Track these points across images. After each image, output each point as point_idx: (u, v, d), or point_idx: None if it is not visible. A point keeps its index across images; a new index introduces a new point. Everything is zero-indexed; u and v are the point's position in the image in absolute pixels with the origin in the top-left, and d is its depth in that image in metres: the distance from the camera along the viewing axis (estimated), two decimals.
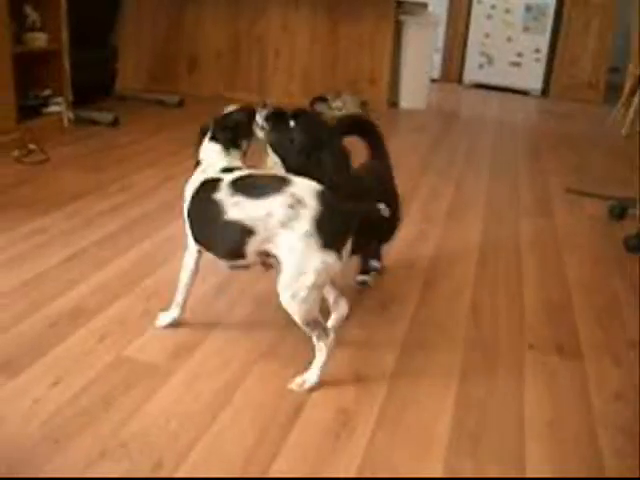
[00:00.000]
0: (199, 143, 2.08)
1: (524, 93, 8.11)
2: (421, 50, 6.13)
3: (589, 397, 1.93)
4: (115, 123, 4.71)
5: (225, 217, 1.83)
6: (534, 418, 1.81)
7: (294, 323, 1.83)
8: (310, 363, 1.86)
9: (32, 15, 4.29)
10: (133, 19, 5.92)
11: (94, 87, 5.28)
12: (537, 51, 8.04)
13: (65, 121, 4.49)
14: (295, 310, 1.79)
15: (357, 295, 2.41)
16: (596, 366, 2.10)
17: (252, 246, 1.83)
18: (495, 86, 8.25)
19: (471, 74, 8.40)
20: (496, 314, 2.38)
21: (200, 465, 1.53)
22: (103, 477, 1.45)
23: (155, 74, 6.23)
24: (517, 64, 8.16)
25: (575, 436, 1.75)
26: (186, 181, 2.06)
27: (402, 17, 6.02)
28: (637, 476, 1.56)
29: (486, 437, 1.71)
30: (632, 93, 6.13)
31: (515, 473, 1.60)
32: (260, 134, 2.06)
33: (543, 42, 8.00)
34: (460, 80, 8.50)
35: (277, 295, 2.11)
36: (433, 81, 7.74)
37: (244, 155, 2.08)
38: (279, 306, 2.10)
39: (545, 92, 8.10)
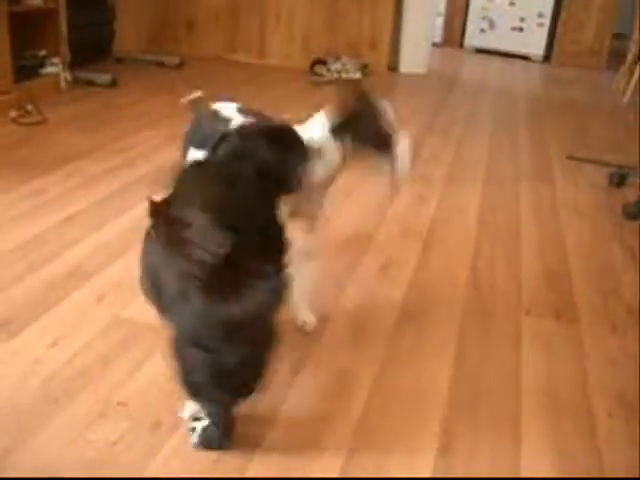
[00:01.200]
0: None
1: (526, 58, 8.04)
2: (422, 13, 6.05)
3: (584, 362, 1.94)
4: (113, 84, 4.67)
5: None
6: (530, 382, 1.82)
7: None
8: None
9: None
10: None
11: (92, 48, 5.22)
12: (540, 16, 7.95)
13: (62, 82, 4.45)
14: None
15: (356, 259, 2.41)
16: (592, 331, 2.11)
17: None
18: (497, 51, 8.17)
19: (473, 39, 8.31)
20: (494, 279, 2.38)
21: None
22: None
23: (154, 35, 6.16)
24: (519, 29, 8.07)
25: (570, 400, 1.77)
26: None
27: None
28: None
29: (482, 401, 1.73)
30: (635, 60, 6.08)
31: (509, 436, 1.61)
32: None
33: (547, 7, 7.91)
34: (461, 45, 8.41)
35: None
36: (435, 45, 7.66)
37: None
38: None
39: (547, 58, 8.02)
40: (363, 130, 1.81)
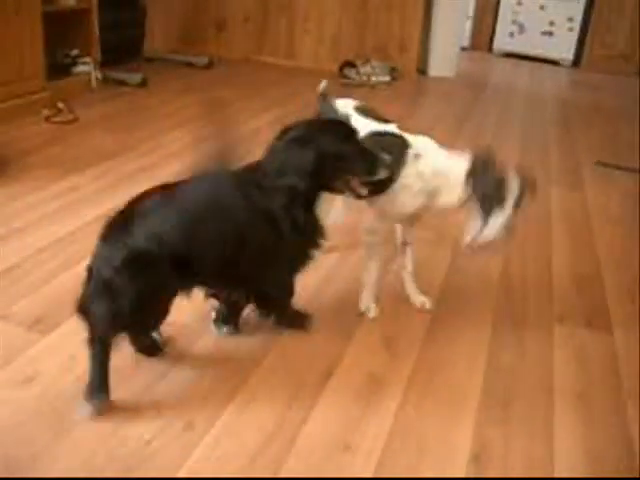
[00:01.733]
0: None
1: (555, 63, 7.99)
2: (452, 17, 6.03)
3: (618, 370, 1.92)
4: (143, 84, 4.70)
5: None
6: (564, 389, 1.81)
7: (324, 291, 1.82)
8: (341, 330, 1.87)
9: None
10: None
11: (123, 48, 5.26)
12: (570, 20, 7.89)
13: (93, 81, 4.48)
14: None
15: (387, 264, 2.40)
16: (625, 340, 2.09)
17: None
18: (526, 55, 8.12)
19: (501, 42, 8.27)
20: (525, 285, 2.37)
21: (231, 427, 1.55)
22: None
23: (183, 36, 6.19)
24: (549, 33, 8.02)
25: (604, 408, 1.75)
26: None
27: None
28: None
29: (515, 405, 1.72)
30: None
31: (542, 443, 1.60)
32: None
33: (577, 11, 7.85)
34: (490, 48, 8.38)
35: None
36: (463, 49, 7.63)
37: None
38: (307, 272, 2.07)
39: (577, 62, 7.96)
40: (486, 186, 1.83)
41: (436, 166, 1.89)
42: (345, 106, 2.16)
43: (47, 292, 2.03)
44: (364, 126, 1.98)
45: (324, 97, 2.28)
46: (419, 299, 2.16)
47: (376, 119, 2.07)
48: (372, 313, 2.07)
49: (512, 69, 7.41)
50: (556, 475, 1.51)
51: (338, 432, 1.56)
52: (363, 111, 2.12)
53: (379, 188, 1.87)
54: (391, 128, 2.02)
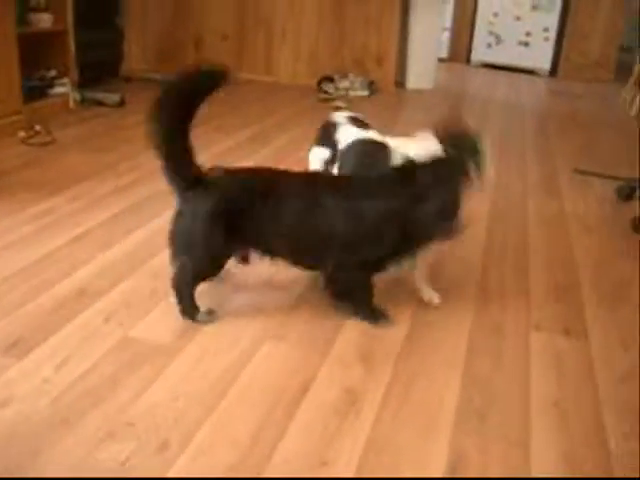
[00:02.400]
0: None
1: (532, 73, 8.06)
2: (428, 29, 6.08)
3: (595, 378, 1.93)
4: (121, 104, 4.71)
5: None
6: (540, 397, 1.81)
7: (299, 306, 1.83)
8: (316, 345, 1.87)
9: None
10: (139, 0, 5.89)
11: (100, 68, 5.28)
12: (546, 30, 7.98)
13: (71, 102, 4.49)
14: None
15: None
16: (603, 347, 2.10)
17: None
18: (503, 65, 8.20)
19: (479, 53, 8.35)
20: (503, 294, 2.38)
21: (206, 445, 1.54)
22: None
23: (162, 55, 6.21)
24: (526, 43, 8.11)
25: (580, 416, 1.75)
26: None
27: None
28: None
29: (492, 415, 1.72)
30: None
31: (519, 452, 1.60)
32: None
33: (552, 21, 7.94)
34: (468, 59, 8.45)
35: (285, 276, 2.13)
36: (441, 60, 7.69)
37: None
38: (286, 287, 2.13)
39: (553, 72, 8.04)
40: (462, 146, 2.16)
41: (416, 153, 2.14)
42: (339, 117, 2.50)
43: (23, 315, 2.02)
44: (351, 131, 2.38)
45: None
46: (428, 294, 2.27)
47: (362, 127, 2.42)
48: (436, 300, 2.26)
49: (490, 79, 7.47)
50: None
51: (314, 447, 1.55)
52: (354, 121, 2.46)
53: None
54: (372, 134, 2.37)
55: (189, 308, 2.04)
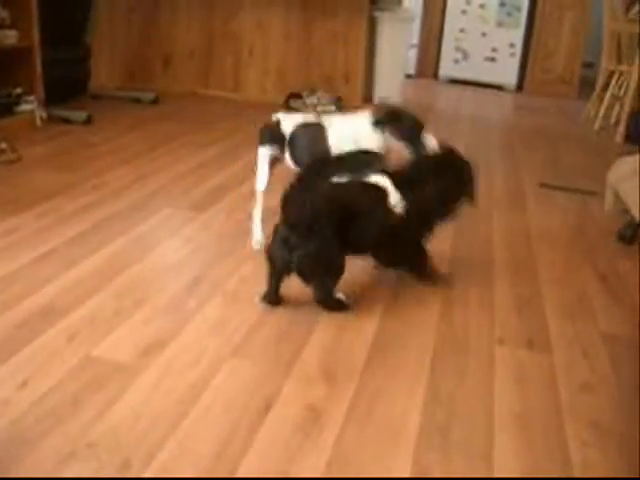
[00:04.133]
0: None
1: (499, 88, 8.15)
2: (395, 46, 6.14)
3: (557, 389, 1.95)
4: (88, 121, 4.68)
5: None
6: (503, 411, 1.83)
7: (262, 322, 1.84)
8: (280, 362, 1.87)
9: (2, 12, 4.26)
10: (107, 17, 5.86)
11: (67, 86, 5.24)
12: (512, 46, 8.08)
13: (37, 120, 4.46)
14: None
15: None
16: (565, 359, 2.12)
17: None
18: (470, 81, 8.28)
19: (446, 69, 8.42)
20: (467, 308, 2.40)
21: (169, 463, 1.53)
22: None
23: (130, 72, 6.20)
24: (492, 59, 8.20)
25: (543, 427, 1.77)
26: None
27: (376, 13, 6.02)
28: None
29: (455, 430, 1.73)
30: (604, 88, 6.18)
31: (482, 465, 1.61)
32: None
33: (517, 37, 8.05)
34: (436, 75, 8.52)
35: (248, 292, 2.13)
36: (409, 77, 7.76)
37: None
38: (249, 303, 2.14)
39: (520, 87, 8.14)
40: (398, 125, 2.52)
41: (349, 131, 2.56)
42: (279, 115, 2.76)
43: None
44: (291, 119, 2.70)
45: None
46: None
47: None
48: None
49: (457, 95, 7.54)
50: None
51: (277, 465, 1.55)
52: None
53: None
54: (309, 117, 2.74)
55: (340, 307, 2.29)
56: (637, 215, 1.72)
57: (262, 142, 2.73)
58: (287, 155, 2.70)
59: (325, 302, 2.26)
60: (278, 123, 2.70)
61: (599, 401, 1.91)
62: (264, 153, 2.73)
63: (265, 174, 2.74)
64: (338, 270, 2.23)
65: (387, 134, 2.52)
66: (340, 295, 2.29)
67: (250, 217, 2.80)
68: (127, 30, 6.10)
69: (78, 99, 5.33)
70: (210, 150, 4.20)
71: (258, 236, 2.73)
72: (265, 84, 6.03)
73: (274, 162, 2.75)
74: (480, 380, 1.97)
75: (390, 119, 2.53)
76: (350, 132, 2.55)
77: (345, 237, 2.20)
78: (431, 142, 2.55)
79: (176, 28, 6.05)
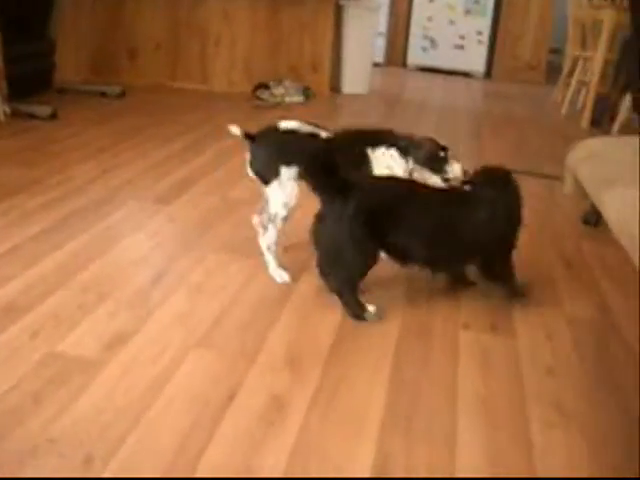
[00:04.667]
0: None
1: (468, 75, 8.19)
2: (362, 34, 6.14)
3: (521, 373, 1.97)
4: (54, 116, 4.63)
5: None
6: (467, 395, 1.84)
7: (227, 313, 1.83)
8: (244, 352, 1.87)
9: None
10: (71, 11, 5.80)
11: (32, 80, 5.18)
12: (479, 33, 8.12)
13: (1, 115, 4.41)
14: None
15: (293, 282, 2.42)
16: (529, 343, 2.14)
17: None
18: (439, 69, 8.31)
19: (415, 57, 8.45)
20: (432, 295, 2.41)
21: (131, 457, 1.52)
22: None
23: (95, 66, 6.13)
24: (460, 47, 8.24)
25: (506, 411, 1.79)
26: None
27: (342, 1, 6.02)
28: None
29: (418, 416, 1.74)
30: (570, 74, 6.24)
31: (445, 450, 1.62)
32: None
33: (485, 24, 8.09)
34: (404, 64, 8.54)
35: (212, 284, 2.13)
36: (377, 65, 7.77)
37: None
38: (214, 295, 2.14)
39: (488, 74, 8.19)
40: (421, 151, 2.47)
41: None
42: (302, 126, 2.42)
43: None
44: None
45: (247, 134, 2.40)
46: None
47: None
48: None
49: (426, 83, 7.56)
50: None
51: (240, 455, 1.55)
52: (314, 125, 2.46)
53: None
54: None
55: (356, 309, 2.20)
56: (594, 200, 1.75)
57: (287, 162, 2.38)
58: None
59: (340, 295, 2.24)
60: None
61: (562, 383, 1.94)
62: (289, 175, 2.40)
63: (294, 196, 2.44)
64: (356, 267, 2.20)
65: (411, 160, 2.47)
66: (371, 307, 2.23)
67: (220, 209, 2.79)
68: (92, 23, 6.03)
69: (43, 94, 5.27)
70: (176, 143, 4.18)
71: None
72: (232, 75, 6.00)
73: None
74: (444, 365, 1.98)
75: (414, 145, 2.48)
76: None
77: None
78: (456, 168, 2.52)
79: (141, 19, 6.00)
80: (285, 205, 2.39)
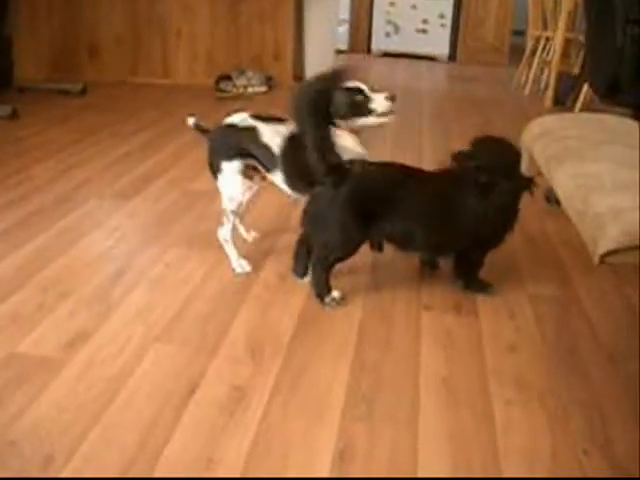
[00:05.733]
0: None
1: (432, 59, 8.20)
2: (324, 21, 6.12)
3: (483, 351, 1.99)
4: (14, 116, 4.57)
5: None
6: (428, 376, 1.85)
7: (188, 307, 1.81)
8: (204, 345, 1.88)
9: None
10: (27, 8, 5.73)
11: None
12: (442, 17, 8.13)
13: None
14: None
15: (254, 270, 2.42)
16: (491, 321, 2.16)
17: None
18: (403, 54, 8.32)
19: (379, 43, 8.45)
20: (394, 277, 2.42)
21: (92, 454, 1.52)
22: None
23: (56, 63, 6.05)
24: (423, 31, 8.25)
25: (468, 390, 1.80)
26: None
27: None
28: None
29: (380, 399, 1.75)
30: (532, 54, 6.27)
31: (407, 432, 1.63)
32: None
33: (447, 7, 8.10)
34: (369, 50, 8.53)
35: (173, 279, 2.12)
36: (341, 52, 7.76)
37: None
38: (174, 289, 2.13)
39: (452, 57, 8.21)
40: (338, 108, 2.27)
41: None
42: (244, 120, 2.35)
43: None
44: (274, 130, 2.32)
45: (199, 127, 2.41)
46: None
47: (273, 120, 2.37)
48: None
49: (390, 68, 7.57)
50: (420, 460, 1.55)
51: (201, 447, 1.55)
52: (260, 118, 2.36)
53: None
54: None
55: (322, 290, 2.21)
56: (547, 177, 1.76)
57: (228, 157, 2.35)
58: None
59: (313, 270, 2.23)
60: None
61: (524, 360, 1.95)
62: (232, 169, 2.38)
63: None
64: (337, 250, 2.19)
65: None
66: (335, 293, 2.23)
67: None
68: (49, 19, 5.93)
69: (2, 93, 5.20)
70: (137, 138, 4.15)
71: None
72: (195, 68, 5.96)
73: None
74: (407, 347, 1.99)
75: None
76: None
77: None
78: (379, 100, 2.37)
79: (100, 14, 5.91)
80: (231, 199, 2.37)
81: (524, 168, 2.11)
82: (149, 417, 1.64)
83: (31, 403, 1.68)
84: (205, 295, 2.23)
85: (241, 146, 2.32)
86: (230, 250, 2.44)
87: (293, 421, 1.65)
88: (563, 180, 1.49)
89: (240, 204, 2.38)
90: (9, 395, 1.71)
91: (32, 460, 1.50)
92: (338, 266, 2.25)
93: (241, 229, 2.67)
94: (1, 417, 1.63)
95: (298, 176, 2.30)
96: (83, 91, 5.43)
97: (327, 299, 2.20)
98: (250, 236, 2.69)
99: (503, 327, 2.13)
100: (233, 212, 2.39)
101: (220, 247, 2.44)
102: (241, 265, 2.42)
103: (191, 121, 2.39)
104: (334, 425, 1.64)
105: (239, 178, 2.35)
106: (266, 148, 2.30)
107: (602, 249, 1.19)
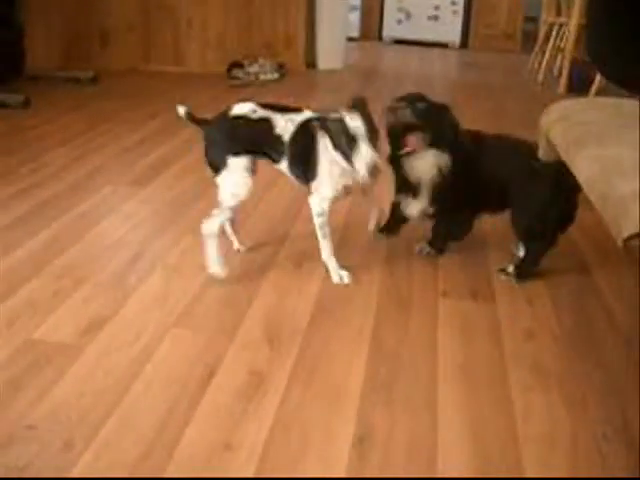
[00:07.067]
0: None
1: (444, 46, 8.15)
2: (336, 8, 6.09)
3: (501, 338, 1.98)
4: (26, 104, 4.57)
5: None
6: (447, 362, 1.84)
7: (204, 293, 1.81)
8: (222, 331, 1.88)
9: None
10: None
11: (2, 68, 5.11)
12: (454, 3, 8.08)
13: None
14: None
15: (269, 257, 2.41)
16: (509, 308, 2.15)
17: None
18: (415, 41, 8.28)
19: (390, 30, 8.40)
20: (410, 265, 2.41)
21: (111, 439, 1.52)
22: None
23: (67, 51, 6.05)
24: (435, 17, 8.20)
25: (486, 376, 1.79)
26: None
27: None
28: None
29: (399, 385, 1.74)
30: (545, 41, 6.22)
31: (426, 417, 1.62)
32: None
33: None
34: (380, 37, 8.49)
35: (189, 264, 2.11)
36: (353, 40, 7.73)
37: None
38: (190, 275, 2.12)
39: (464, 44, 8.16)
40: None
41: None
42: (254, 111, 2.18)
43: None
44: (287, 118, 2.18)
45: (192, 117, 2.28)
46: (337, 274, 2.28)
47: (286, 110, 2.22)
48: (346, 279, 2.27)
49: (402, 55, 7.53)
50: (439, 446, 1.54)
51: (219, 432, 1.55)
52: (269, 107, 2.22)
53: None
54: (308, 114, 2.23)
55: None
56: (566, 161, 1.73)
57: (236, 153, 2.18)
58: None
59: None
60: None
61: (541, 346, 1.94)
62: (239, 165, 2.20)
63: None
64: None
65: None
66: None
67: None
68: (61, 8, 5.92)
69: (14, 82, 5.20)
70: (150, 126, 4.14)
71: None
72: (206, 55, 5.95)
73: None
74: (424, 333, 1.98)
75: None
76: None
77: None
78: (364, 152, 2.08)
79: (111, 2, 5.91)
80: (234, 196, 2.17)
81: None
82: (167, 402, 1.64)
83: (50, 389, 1.68)
84: (221, 281, 2.23)
85: (253, 141, 2.16)
86: (211, 248, 2.20)
87: (311, 406, 1.64)
88: (585, 163, 1.47)
89: (240, 200, 2.19)
90: (28, 381, 1.71)
91: (51, 445, 1.50)
92: (352, 251, 2.24)
93: (233, 239, 2.49)
94: (20, 402, 1.63)
95: (304, 165, 2.19)
96: (95, 79, 5.43)
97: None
98: (242, 247, 2.48)
99: (521, 313, 2.12)
100: (231, 208, 2.20)
101: (234, 233, 2.43)
102: (216, 267, 2.21)
103: (182, 110, 2.22)
104: (353, 410, 1.63)
105: (246, 175, 2.16)
106: (278, 139, 2.16)
107: (627, 232, 1.17)
